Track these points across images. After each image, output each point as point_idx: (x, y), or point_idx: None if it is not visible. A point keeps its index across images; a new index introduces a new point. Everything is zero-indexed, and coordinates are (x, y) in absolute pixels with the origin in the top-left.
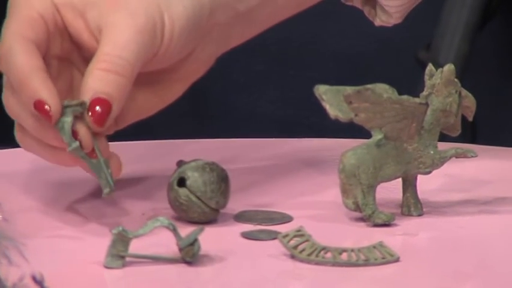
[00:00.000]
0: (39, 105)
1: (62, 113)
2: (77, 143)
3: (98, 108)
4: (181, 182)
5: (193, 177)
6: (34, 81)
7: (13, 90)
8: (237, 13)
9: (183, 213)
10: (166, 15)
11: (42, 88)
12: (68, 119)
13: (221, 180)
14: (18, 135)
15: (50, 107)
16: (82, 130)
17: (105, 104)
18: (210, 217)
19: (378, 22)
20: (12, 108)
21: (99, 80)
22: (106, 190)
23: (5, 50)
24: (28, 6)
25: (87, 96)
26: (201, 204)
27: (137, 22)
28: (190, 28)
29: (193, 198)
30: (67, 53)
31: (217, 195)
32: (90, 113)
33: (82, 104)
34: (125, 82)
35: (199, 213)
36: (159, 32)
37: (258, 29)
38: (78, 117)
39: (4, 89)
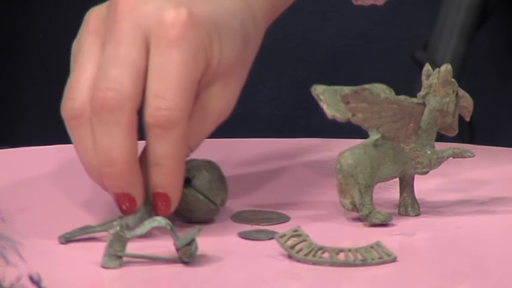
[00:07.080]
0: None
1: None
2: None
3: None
4: (186, 182)
5: (201, 176)
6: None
7: None
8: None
9: (188, 214)
10: (214, 60)
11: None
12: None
13: (221, 177)
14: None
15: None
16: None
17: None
18: (214, 214)
19: (356, 1)
20: None
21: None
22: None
23: None
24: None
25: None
26: (208, 202)
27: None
28: (230, 71)
29: (201, 197)
30: None
31: (221, 192)
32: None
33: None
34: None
35: (205, 212)
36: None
37: None
38: None
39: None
